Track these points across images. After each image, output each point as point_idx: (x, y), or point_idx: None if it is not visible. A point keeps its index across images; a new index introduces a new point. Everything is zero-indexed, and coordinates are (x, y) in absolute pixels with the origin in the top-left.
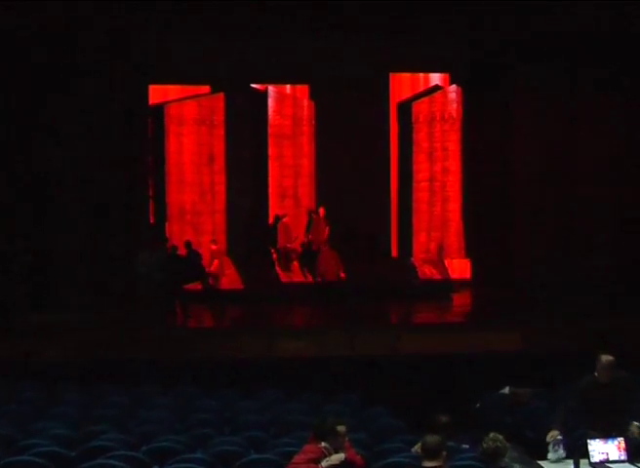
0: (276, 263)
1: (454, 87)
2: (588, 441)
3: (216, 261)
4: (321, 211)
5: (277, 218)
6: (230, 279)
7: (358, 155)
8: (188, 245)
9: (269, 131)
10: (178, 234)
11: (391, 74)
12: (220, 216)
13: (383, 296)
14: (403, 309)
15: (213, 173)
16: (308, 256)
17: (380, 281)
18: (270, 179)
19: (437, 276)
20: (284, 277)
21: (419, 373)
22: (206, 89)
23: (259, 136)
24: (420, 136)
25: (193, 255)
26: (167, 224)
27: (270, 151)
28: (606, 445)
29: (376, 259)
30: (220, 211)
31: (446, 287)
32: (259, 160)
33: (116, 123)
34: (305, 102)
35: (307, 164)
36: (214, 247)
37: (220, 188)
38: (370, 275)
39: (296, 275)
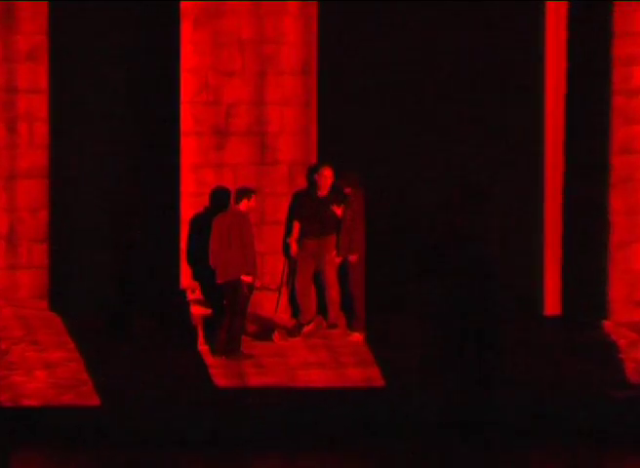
0: (201, 334)
1: None
2: None
3: None
4: (327, 173)
5: (221, 196)
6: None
7: (445, 46)
8: None
9: None
10: None
11: None
12: (45, 184)
13: (534, 434)
14: None
15: (36, 72)
16: None
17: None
18: (183, 97)
19: None
20: (222, 382)
21: None
22: None
23: None
24: (625, 13)
25: None
26: None
27: (184, 30)
28: None
29: (500, 320)
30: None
31: None
32: (164, 46)
33: None
34: None
35: (294, 61)
36: None
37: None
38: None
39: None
